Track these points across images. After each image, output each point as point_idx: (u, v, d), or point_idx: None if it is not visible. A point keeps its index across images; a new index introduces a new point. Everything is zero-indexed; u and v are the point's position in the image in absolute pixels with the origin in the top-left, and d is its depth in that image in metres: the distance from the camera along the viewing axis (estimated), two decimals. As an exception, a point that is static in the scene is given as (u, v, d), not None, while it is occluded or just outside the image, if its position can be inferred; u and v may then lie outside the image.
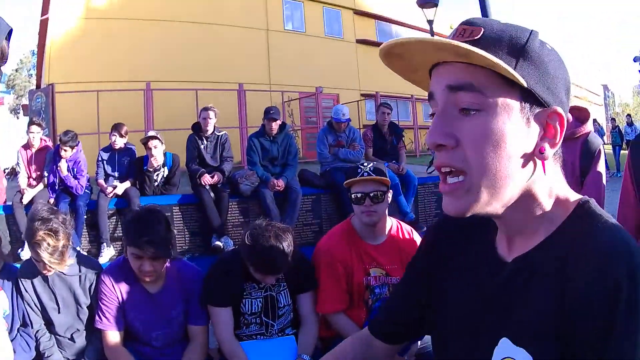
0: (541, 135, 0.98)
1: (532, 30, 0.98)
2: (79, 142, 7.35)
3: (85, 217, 7.00)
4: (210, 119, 7.69)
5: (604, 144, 23.73)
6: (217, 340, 3.28)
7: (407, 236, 3.62)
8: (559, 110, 0.98)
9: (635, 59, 29.25)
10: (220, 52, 19.17)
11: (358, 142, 8.43)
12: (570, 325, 0.88)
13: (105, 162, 7.56)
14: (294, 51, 21.55)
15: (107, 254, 6.94)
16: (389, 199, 3.48)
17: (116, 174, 7.50)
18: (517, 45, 0.95)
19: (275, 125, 7.70)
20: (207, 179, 7.36)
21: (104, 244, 6.95)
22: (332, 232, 3.62)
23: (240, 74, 18.03)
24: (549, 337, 0.92)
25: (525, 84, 0.93)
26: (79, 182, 7.06)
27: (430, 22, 15.60)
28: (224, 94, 14.93)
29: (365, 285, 3.45)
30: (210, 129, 7.74)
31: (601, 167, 3.87)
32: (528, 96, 0.95)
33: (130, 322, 3.23)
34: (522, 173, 0.98)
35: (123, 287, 3.19)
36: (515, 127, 0.95)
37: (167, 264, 3.18)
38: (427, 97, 1.05)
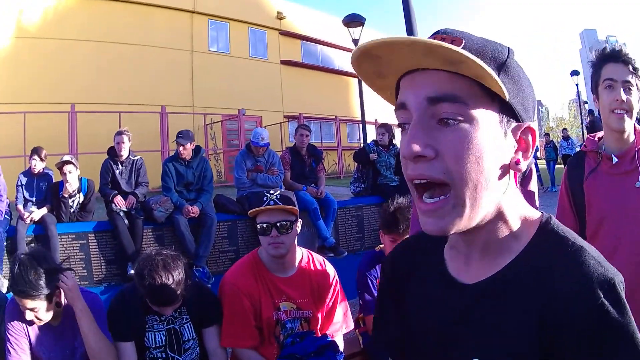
0: (515, 148, 1.00)
1: (509, 48, 0.99)
2: None
3: (4, 243, 6.74)
4: (123, 143, 7.57)
5: (538, 159, 24.43)
6: None
7: (318, 267, 3.50)
8: (532, 125, 1.01)
9: (572, 73, 30.53)
10: (145, 73, 19.01)
11: (277, 166, 8.32)
12: (554, 344, 0.89)
13: (23, 186, 7.31)
14: (218, 73, 21.57)
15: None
16: (298, 229, 3.33)
17: (34, 199, 7.25)
18: (498, 60, 0.96)
19: (183, 150, 7.57)
20: (119, 201, 7.22)
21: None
22: (238, 264, 3.47)
23: (163, 96, 18.04)
24: (527, 356, 0.91)
25: (507, 97, 0.93)
26: None
27: (355, 41, 15.75)
28: (146, 116, 15.01)
29: (276, 320, 3.32)
30: (124, 153, 7.61)
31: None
32: (505, 110, 0.97)
33: (37, 355, 3.10)
34: (499, 186, 0.98)
35: (25, 322, 3.04)
36: (495, 139, 0.95)
37: (58, 308, 3.03)
38: (395, 107, 1.02)
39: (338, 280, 3.53)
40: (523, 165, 0.99)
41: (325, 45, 27.24)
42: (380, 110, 21.58)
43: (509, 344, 0.93)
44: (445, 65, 0.90)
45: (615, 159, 2.53)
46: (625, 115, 2.45)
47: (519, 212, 1.04)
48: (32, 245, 6.91)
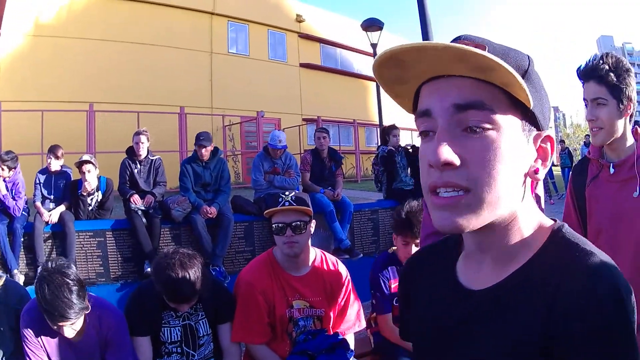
0: (535, 157, 1.00)
1: (528, 56, 1.00)
2: (18, 163, 7.20)
3: (22, 239, 6.84)
4: (142, 143, 7.63)
5: (554, 165, 24.24)
6: None
7: (331, 267, 3.55)
8: (551, 134, 1.02)
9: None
10: (164, 74, 18.98)
11: (294, 169, 8.34)
12: (554, 344, 0.87)
13: (41, 184, 7.37)
14: (237, 75, 21.51)
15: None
16: (312, 230, 3.40)
17: (52, 197, 7.31)
18: (521, 68, 0.96)
19: (205, 152, 7.60)
20: (136, 199, 7.28)
21: (40, 267, 6.67)
22: (253, 263, 3.55)
23: (182, 97, 17.99)
24: (529, 357, 0.90)
25: (532, 105, 0.94)
26: (16, 203, 6.92)
27: (374, 45, 15.74)
28: (165, 117, 14.90)
29: (289, 318, 3.39)
30: (143, 153, 7.68)
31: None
32: (527, 118, 0.97)
33: None
34: (517, 193, 0.98)
35: (43, 335, 3.05)
36: (518, 146, 0.96)
37: (87, 311, 3.02)
38: (416, 114, 1.01)
39: (350, 280, 3.59)
40: (541, 174, 1.00)
41: (344, 48, 27.10)
42: (397, 114, 21.57)
43: (513, 352, 0.92)
44: (474, 72, 0.91)
45: (612, 169, 2.53)
46: (599, 132, 2.47)
47: (533, 219, 1.04)
48: (49, 242, 7.00)
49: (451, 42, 0.95)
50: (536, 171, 0.99)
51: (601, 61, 2.43)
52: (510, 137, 0.94)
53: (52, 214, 6.99)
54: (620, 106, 2.41)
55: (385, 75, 1.00)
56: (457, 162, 0.91)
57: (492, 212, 0.95)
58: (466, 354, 1.01)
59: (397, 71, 0.98)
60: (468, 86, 0.92)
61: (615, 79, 2.39)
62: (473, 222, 0.95)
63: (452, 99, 0.93)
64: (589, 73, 2.45)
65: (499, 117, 0.92)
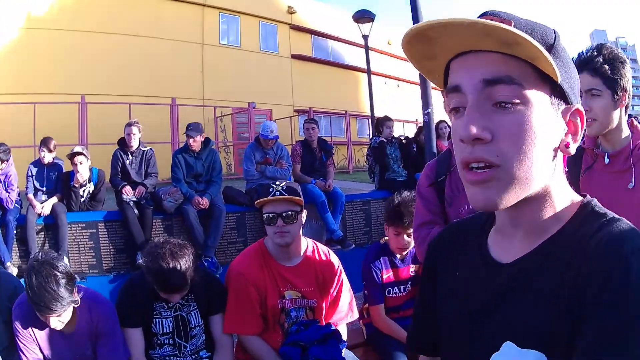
0: (565, 131, 1.00)
1: (554, 30, 0.99)
2: (10, 155, 7.20)
3: (15, 232, 6.86)
4: (134, 134, 7.67)
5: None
6: None
7: (323, 257, 3.54)
8: (581, 108, 1.01)
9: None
10: (156, 66, 18.93)
11: (285, 159, 8.37)
12: (579, 304, 0.87)
13: (34, 176, 7.40)
14: (229, 66, 21.49)
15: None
16: (303, 220, 3.38)
17: (44, 189, 7.35)
18: (548, 42, 0.96)
19: (193, 142, 7.64)
20: (128, 190, 7.31)
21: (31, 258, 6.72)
22: (245, 253, 3.53)
23: (174, 88, 17.93)
24: (562, 330, 0.90)
25: (559, 79, 0.94)
26: (9, 195, 6.94)
27: (365, 37, 15.74)
28: (156, 108, 15.00)
29: (280, 308, 3.38)
30: (134, 144, 7.72)
31: None
32: (555, 92, 0.97)
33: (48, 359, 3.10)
34: (548, 167, 0.99)
35: (35, 327, 3.03)
36: (548, 121, 0.96)
37: (76, 305, 3.00)
38: (446, 89, 1.02)
39: (342, 270, 3.58)
40: (572, 148, 1.01)
41: (335, 40, 27.09)
42: (389, 106, 21.56)
43: (541, 321, 0.94)
44: (500, 47, 0.91)
45: (607, 160, 2.51)
46: (593, 123, 2.44)
47: (564, 194, 1.05)
48: (42, 234, 7.03)
49: (478, 16, 0.97)
50: (567, 145, 1.00)
51: (595, 52, 2.41)
52: (539, 111, 0.94)
53: (45, 205, 7.03)
54: (615, 97, 2.39)
55: (414, 52, 1.01)
56: (488, 137, 0.93)
57: (525, 188, 0.96)
58: (502, 325, 1.01)
59: (425, 47, 0.99)
60: (496, 61, 0.93)
61: (609, 70, 2.37)
62: (506, 199, 0.96)
63: (480, 74, 0.94)
64: (583, 64, 2.42)
65: (527, 92, 0.93)
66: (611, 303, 0.82)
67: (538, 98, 0.94)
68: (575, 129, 1.02)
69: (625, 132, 2.50)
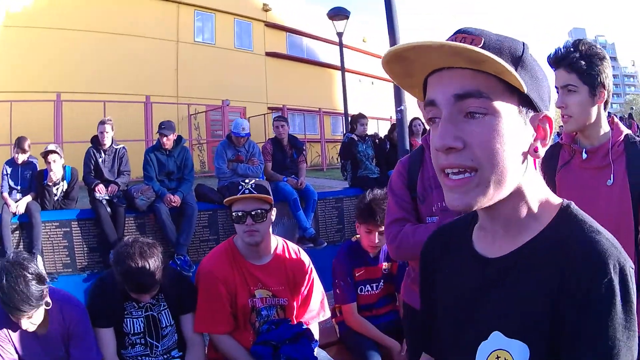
0: (534, 136, 1.08)
1: (524, 43, 1.08)
2: None
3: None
4: (107, 132, 7.66)
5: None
6: None
7: (293, 256, 3.52)
8: (549, 114, 1.10)
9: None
10: (131, 63, 18.81)
11: (257, 157, 8.37)
12: (562, 312, 0.99)
13: (8, 175, 7.37)
14: (203, 63, 21.36)
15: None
16: (273, 218, 3.36)
17: (19, 187, 7.34)
18: (515, 55, 1.05)
19: (166, 141, 7.68)
20: (101, 189, 7.29)
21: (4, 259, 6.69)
22: (214, 252, 3.51)
23: (148, 86, 17.84)
24: (544, 326, 1.00)
25: (526, 90, 1.02)
26: None
27: (340, 34, 15.77)
28: (131, 106, 15.04)
29: (251, 307, 3.36)
30: (107, 142, 7.71)
31: None
32: (524, 101, 1.05)
33: None
34: (520, 169, 1.07)
35: (10, 329, 2.99)
36: (516, 128, 1.04)
37: (47, 307, 2.96)
38: (424, 103, 1.10)
39: (313, 268, 3.56)
40: (541, 152, 1.09)
41: (310, 37, 27.10)
42: (363, 103, 21.60)
43: (528, 316, 1.03)
44: (469, 64, 1.00)
45: (585, 155, 2.50)
46: (569, 119, 2.45)
47: (539, 194, 1.13)
48: (17, 233, 6.98)
49: (451, 35, 1.09)
50: (535, 149, 1.08)
51: (572, 48, 2.41)
52: (507, 120, 1.02)
53: (19, 204, 7.00)
54: (592, 93, 2.38)
55: (394, 71, 1.11)
56: (459, 145, 1.02)
57: (498, 190, 1.05)
58: (485, 317, 1.12)
59: (403, 66, 1.08)
60: (466, 77, 1.02)
61: (585, 66, 2.36)
62: (482, 200, 1.05)
63: (452, 90, 1.03)
64: (559, 61, 2.43)
65: (495, 103, 1.02)
66: (595, 317, 0.95)
67: (506, 108, 1.03)
68: (544, 134, 1.09)
69: (605, 128, 2.49)
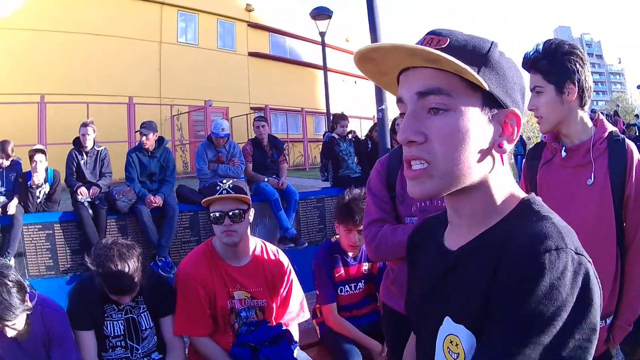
0: (500, 132, 1.11)
1: (492, 42, 1.11)
2: None
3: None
4: (88, 134, 7.61)
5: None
6: None
7: (272, 257, 3.52)
8: (516, 111, 1.11)
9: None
10: (113, 64, 18.84)
11: (238, 157, 8.35)
12: (491, 298, 1.01)
13: (-7, 178, 7.31)
14: (186, 64, 21.41)
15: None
16: (251, 218, 3.34)
17: (3, 190, 7.25)
18: (479, 53, 1.08)
19: (146, 140, 7.65)
20: (83, 192, 7.25)
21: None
22: (193, 253, 3.48)
23: (131, 87, 17.98)
24: (483, 312, 1.02)
25: (486, 87, 1.05)
26: None
27: (322, 34, 15.78)
28: (114, 107, 15.09)
29: (230, 309, 3.35)
30: (89, 144, 7.66)
31: None
32: (488, 98, 1.08)
33: None
34: (483, 164, 1.10)
35: None
36: (477, 125, 1.07)
37: (29, 312, 2.92)
38: (396, 100, 1.16)
39: (292, 269, 3.56)
40: (507, 147, 1.11)
41: (293, 37, 27.19)
42: (345, 103, 21.62)
43: (471, 302, 1.06)
44: (427, 63, 1.05)
45: (564, 153, 2.48)
46: (541, 120, 2.46)
47: (505, 189, 1.16)
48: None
49: (422, 37, 1.13)
50: (500, 145, 1.10)
51: (534, 49, 2.42)
52: (468, 116, 1.06)
53: (10, 206, 6.92)
54: (560, 91, 2.36)
55: (367, 70, 1.17)
56: (421, 139, 1.07)
57: (454, 181, 1.09)
58: (444, 303, 1.17)
59: (374, 66, 1.14)
60: (428, 75, 1.07)
61: (548, 65, 2.35)
62: (436, 190, 1.09)
63: (416, 88, 1.08)
64: (528, 65, 2.43)
65: (456, 100, 1.06)
66: (515, 298, 0.94)
67: (467, 104, 1.06)
68: (511, 131, 1.12)
69: (586, 126, 2.47)
